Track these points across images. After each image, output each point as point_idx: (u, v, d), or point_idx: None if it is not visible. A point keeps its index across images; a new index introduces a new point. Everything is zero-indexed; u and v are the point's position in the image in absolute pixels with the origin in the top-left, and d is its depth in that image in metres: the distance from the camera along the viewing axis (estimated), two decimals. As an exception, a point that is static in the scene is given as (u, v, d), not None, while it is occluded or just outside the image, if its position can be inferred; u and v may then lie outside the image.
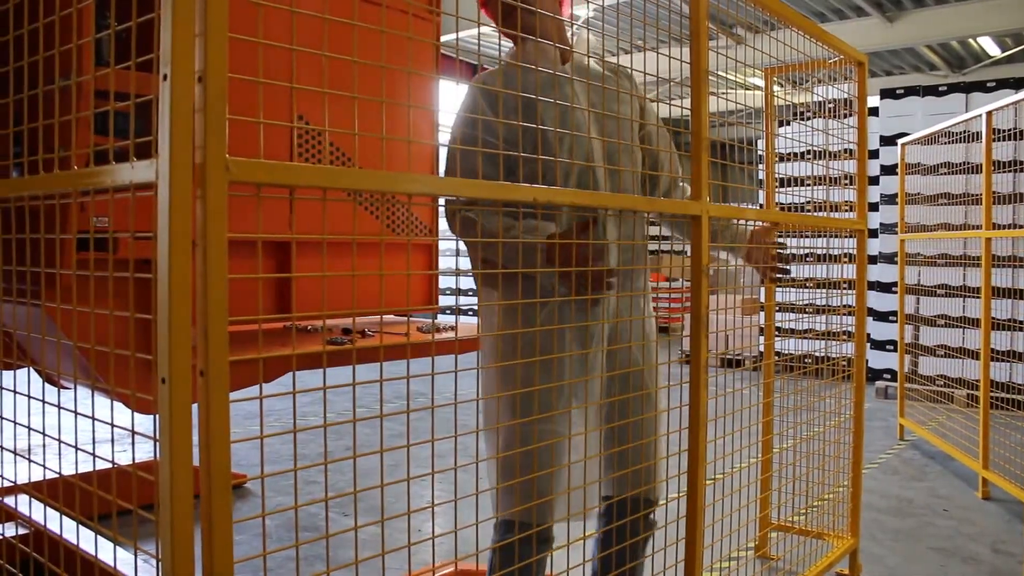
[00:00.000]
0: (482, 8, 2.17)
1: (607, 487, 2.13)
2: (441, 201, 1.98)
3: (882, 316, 7.82)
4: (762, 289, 3.33)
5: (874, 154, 7.92)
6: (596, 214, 1.95)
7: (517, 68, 2.01)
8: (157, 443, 1.11)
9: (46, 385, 2.55)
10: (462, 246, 10.67)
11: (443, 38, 4.90)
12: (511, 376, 1.97)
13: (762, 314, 3.80)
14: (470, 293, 11.92)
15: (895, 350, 6.80)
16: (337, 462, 1.33)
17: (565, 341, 2.01)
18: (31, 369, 2.27)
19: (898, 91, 7.94)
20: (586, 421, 2.03)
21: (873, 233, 7.94)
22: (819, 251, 3.12)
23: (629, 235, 2.10)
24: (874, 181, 7.92)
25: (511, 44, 2.19)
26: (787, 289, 3.21)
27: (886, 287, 7.79)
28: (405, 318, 3.83)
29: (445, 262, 11.51)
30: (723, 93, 2.33)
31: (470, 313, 11.28)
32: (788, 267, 2.50)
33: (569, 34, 2.25)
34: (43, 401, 1.69)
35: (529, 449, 1.88)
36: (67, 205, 2.01)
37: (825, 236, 3.16)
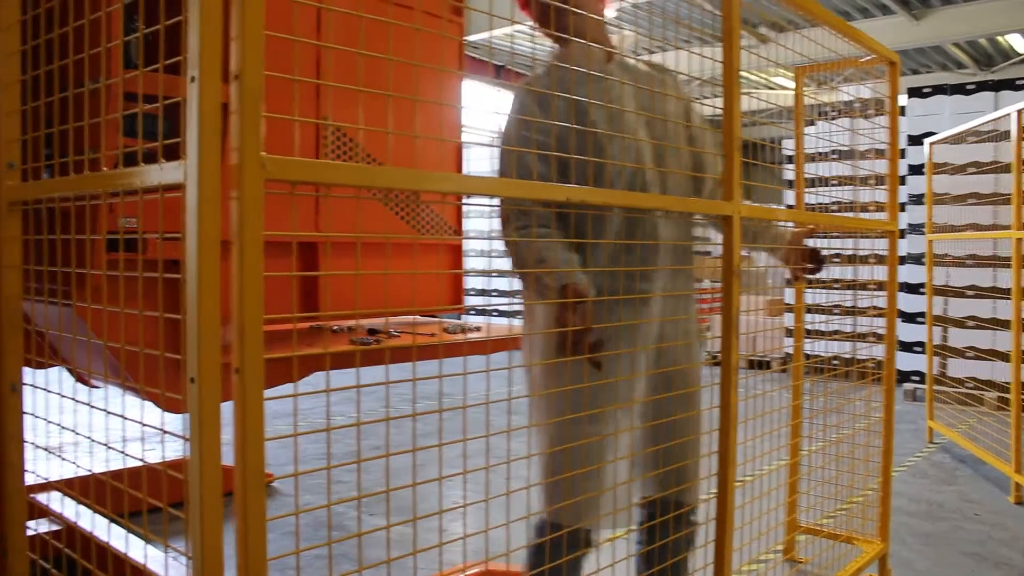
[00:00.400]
0: (523, 9, 2.16)
1: (645, 488, 2.13)
2: (495, 201, 1.98)
3: (910, 317, 7.74)
4: (788, 290, 3.30)
5: (901, 154, 7.84)
6: (585, 286, 1.91)
7: (563, 69, 2.01)
8: (187, 442, 1.11)
9: (77, 384, 2.58)
10: (497, 245, 10.70)
11: (465, 39, 4.90)
12: (558, 376, 1.97)
13: (789, 316, 3.77)
14: (494, 294, 11.94)
15: (923, 352, 6.72)
16: (367, 461, 1.33)
17: (614, 342, 2.00)
18: (62, 368, 2.30)
19: (925, 90, 7.85)
20: (632, 423, 2.03)
21: (900, 233, 7.85)
22: (848, 252, 3.09)
23: (678, 236, 2.10)
24: (901, 181, 7.84)
25: (551, 44, 2.18)
26: (816, 291, 3.18)
27: (914, 288, 7.70)
28: (431, 318, 3.83)
29: (470, 262, 11.53)
30: (750, 92, 2.31)
31: (495, 314, 11.30)
32: (820, 267, 2.50)
33: (613, 35, 2.24)
34: (75, 400, 1.70)
35: (575, 449, 1.90)
36: (97, 206, 2.03)
37: (854, 237, 3.13)
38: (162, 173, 1.22)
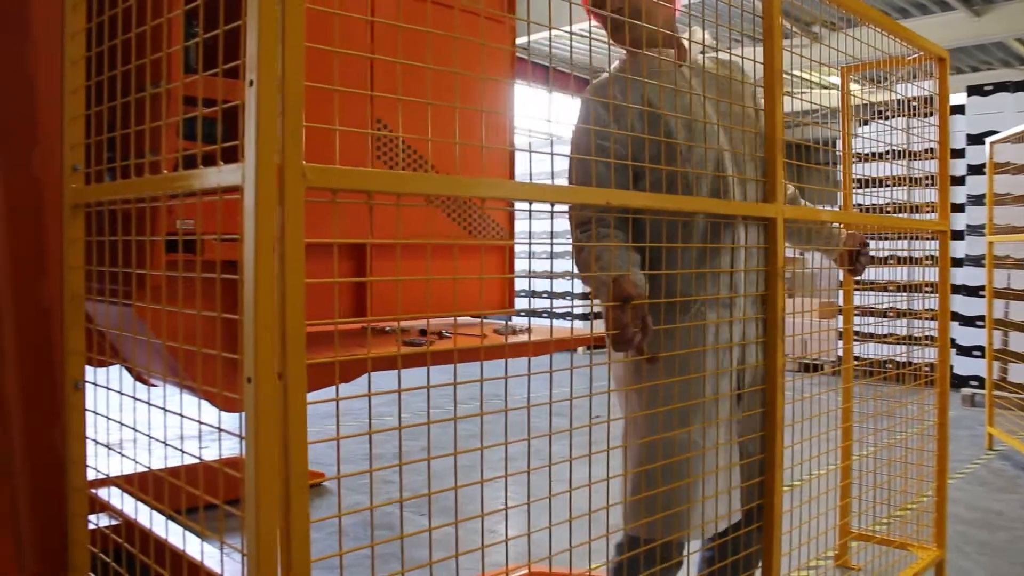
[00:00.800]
0: (591, 16, 2.15)
1: (734, 498, 2.11)
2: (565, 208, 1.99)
3: (968, 321, 7.55)
4: (840, 292, 3.26)
5: (960, 153, 7.66)
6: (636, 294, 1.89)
7: (635, 73, 2.02)
8: (243, 441, 1.14)
9: (135, 382, 2.64)
10: (541, 248, 10.70)
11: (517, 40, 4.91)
12: (640, 378, 1.98)
13: (841, 318, 3.71)
14: (544, 295, 11.93)
15: (982, 356, 6.56)
16: (413, 464, 1.35)
17: (705, 351, 2.01)
18: (122, 367, 2.36)
19: (986, 87, 7.66)
20: (720, 426, 2.03)
21: (959, 235, 7.67)
22: (900, 253, 3.03)
23: (758, 241, 2.10)
24: (960, 181, 7.66)
25: (618, 48, 2.17)
26: (867, 292, 3.14)
27: (973, 291, 7.52)
28: (480, 319, 3.85)
29: (520, 264, 11.53)
30: (797, 93, 2.29)
31: (544, 316, 11.29)
32: (862, 267, 2.49)
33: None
34: (134, 398, 1.75)
35: (664, 455, 1.92)
36: (156, 208, 2.09)
37: (906, 238, 3.07)
38: (220, 175, 1.25)
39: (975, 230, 7.51)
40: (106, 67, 1.75)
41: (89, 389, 1.86)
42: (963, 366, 7.56)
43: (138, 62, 1.64)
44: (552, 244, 2.09)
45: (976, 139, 7.51)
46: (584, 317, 10.93)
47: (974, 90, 7.73)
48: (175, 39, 2.13)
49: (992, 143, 5.79)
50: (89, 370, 1.89)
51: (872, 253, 2.52)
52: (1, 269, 2.17)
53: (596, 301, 1.91)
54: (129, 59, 1.66)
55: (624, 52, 2.16)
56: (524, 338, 2.89)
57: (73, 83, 1.81)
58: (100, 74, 1.77)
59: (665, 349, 1.97)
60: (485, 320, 3.84)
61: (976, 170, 7.49)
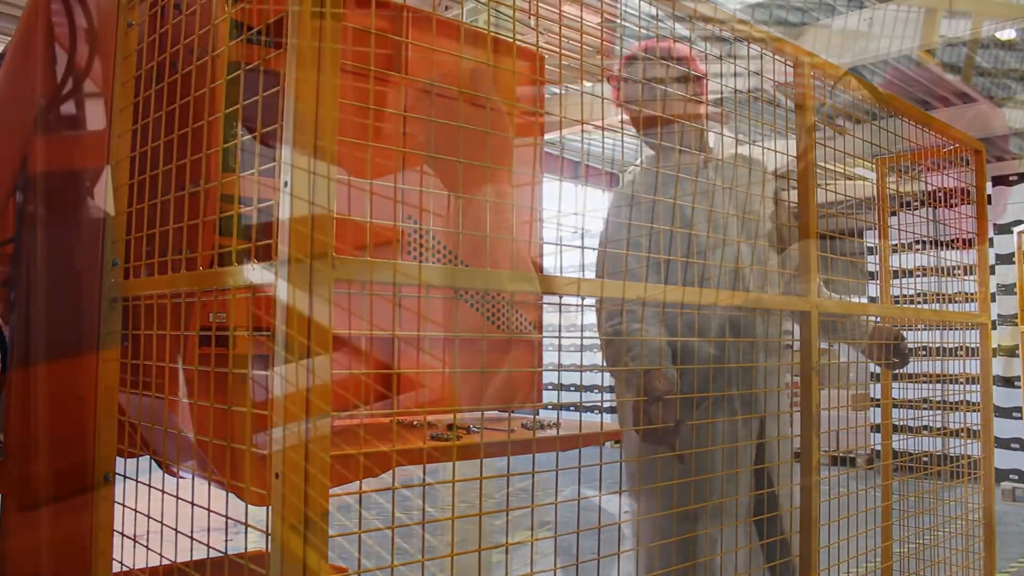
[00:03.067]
0: (621, 109, 2.21)
1: None
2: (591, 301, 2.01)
3: (1005, 412, 7.38)
4: (875, 385, 3.21)
5: (988, 243, 7.64)
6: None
7: (659, 172, 2.07)
8: (268, 536, 1.13)
9: (155, 470, 2.63)
10: (568, 342, 10.68)
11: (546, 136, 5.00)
12: (654, 474, 1.95)
13: (876, 411, 3.65)
14: (572, 388, 11.83)
15: (1021, 448, 6.38)
16: (435, 559, 1.33)
17: (716, 443, 1.99)
18: (151, 458, 2.36)
19: (1011, 177, 7.68)
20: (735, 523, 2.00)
21: (992, 324, 7.58)
22: (935, 345, 2.99)
23: (774, 333, 2.10)
24: (990, 271, 7.62)
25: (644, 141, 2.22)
26: (904, 385, 3.09)
27: (1007, 381, 7.37)
28: (509, 414, 3.81)
29: (549, 357, 11.48)
30: (828, 185, 2.32)
31: (572, 408, 11.20)
32: (904, 361, 2.45)
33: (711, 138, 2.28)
34: (162, 491, 1.75)
35: (677, 554, 1.87)
36: (191, 303, 2.12)
37: (941, 329, 3.04)
38: (254, 273, 1.27)
39: (1006, 320, 7.41)
40: (148, 166, 1.81)
41: (117, 480, 1.85)
42: (1001, 459, 7.35)
43: (179, 162, 1.69)
44: (582, 337, 2.10)
45: (1003, 228, 7.49)
46: (613, 411, 10.81)
47: (999, 180, 7.75)
48: (215, 140, 2.19)
49: (1020, 233, 5.76)
50: (118, 461, 1.89)
51: (910, 345, 2.50)
52: (38, 357, 2.20)
53: (624, 396, 1.90)
54: (171, 159, 1.72)
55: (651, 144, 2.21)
56: (552, 433, 2.85)
57: (118, 181, 1.87)
58: (143, 173, 1.83)
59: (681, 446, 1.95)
60: (513, 414, 3.80)
61: (1004, 260, 7.45)
